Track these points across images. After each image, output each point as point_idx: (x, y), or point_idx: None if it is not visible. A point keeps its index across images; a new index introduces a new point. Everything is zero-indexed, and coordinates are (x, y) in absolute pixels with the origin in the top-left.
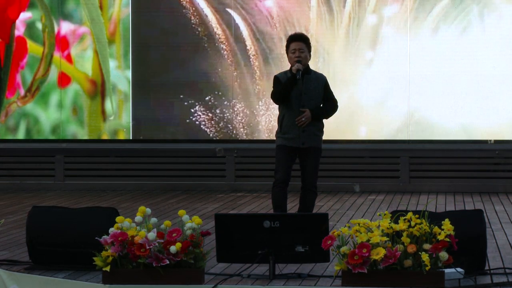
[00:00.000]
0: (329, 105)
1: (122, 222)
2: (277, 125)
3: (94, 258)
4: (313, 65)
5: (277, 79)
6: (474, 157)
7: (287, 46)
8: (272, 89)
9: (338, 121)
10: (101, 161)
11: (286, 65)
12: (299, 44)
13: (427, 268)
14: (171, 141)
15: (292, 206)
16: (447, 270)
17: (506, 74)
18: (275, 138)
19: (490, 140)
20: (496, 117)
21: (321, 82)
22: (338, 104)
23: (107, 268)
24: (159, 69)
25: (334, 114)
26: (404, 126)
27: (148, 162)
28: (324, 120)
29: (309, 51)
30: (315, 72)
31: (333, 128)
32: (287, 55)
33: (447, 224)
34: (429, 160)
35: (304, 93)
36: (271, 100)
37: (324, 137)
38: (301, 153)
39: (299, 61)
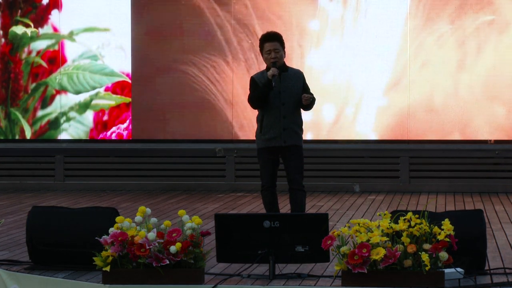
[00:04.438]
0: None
1: (122, 222)
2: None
3: (94, 258)
4: (313, 63)
5: (254, 81)
6: (474, 157)
7: (261, 46)
8: (249, 90)
9: (338, 121)
10: (101, 161)
11: (288, 64)
12: (273, 44)
13: (427, 268)
14: (171, 141)
15: (283, 206)
16: (447, 270)
17: (506, 74)
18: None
19: (490, 140)
20: (496, 117)
21: (299, 79)
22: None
23: (107, 268)
24: (159, 69)
25: (331, 114)
26: (404, 126)
27: (148, 162)
28: (323, 119)
29: (283, 48)
30: (292, 69)
31: (333, 128)
32: (262, 56)
33: (447, 224)
34: (429, 160)
35: (283, 91)
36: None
37: (324, 137)
38: (283, 152)
39: (275, 63)
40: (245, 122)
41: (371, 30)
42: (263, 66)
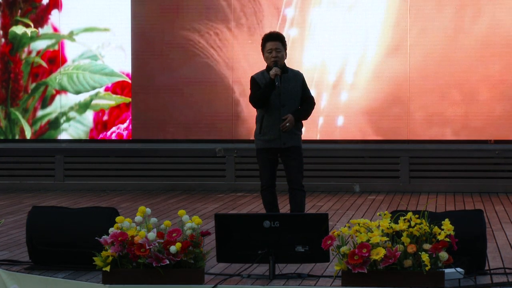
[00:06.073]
0: (308, 104)
1: (122, 222)
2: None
3: (94, 258)
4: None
5: (254, 81)
6: (474, 157)
7: (263, 45)
8: (250, 90)
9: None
10: (101, 161)
11: (289, 65)
12: (275, 43)
13: (427, 268)
14: (171, 141)
15: (283, 206)
16: (447, 270)
17: (505, 73)
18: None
19: (490, 140)
20: (496, 117)
21: (299, 80)
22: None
23: (107, 268)
24: (159, 69)
25: (330, 115)
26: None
27: (148, 162)
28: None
29: (285, 49)
30: (292, 70)
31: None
32: (263, 55)
33: (447, 224)
34: (429, 160)
35: (283, 93)
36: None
37: (325, 137)
38: (283, 153)
39: (276, 63)
40: (245, 122)
41: (369, 24)
42: (265, 65)
